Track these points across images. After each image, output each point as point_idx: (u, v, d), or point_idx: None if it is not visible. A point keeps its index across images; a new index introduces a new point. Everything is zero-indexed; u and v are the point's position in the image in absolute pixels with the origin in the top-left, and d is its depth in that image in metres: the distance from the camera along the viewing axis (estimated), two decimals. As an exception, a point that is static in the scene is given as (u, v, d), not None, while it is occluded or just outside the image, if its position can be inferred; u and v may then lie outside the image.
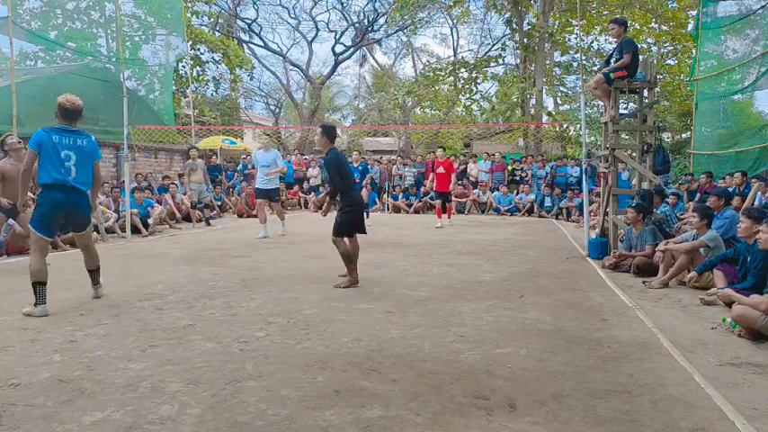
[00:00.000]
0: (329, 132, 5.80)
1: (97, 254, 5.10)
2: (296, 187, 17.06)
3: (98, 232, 9.04)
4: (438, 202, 11.99)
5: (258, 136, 31.87)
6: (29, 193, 7.90)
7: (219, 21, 27.87)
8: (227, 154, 20.51)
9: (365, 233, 5.79)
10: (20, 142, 6.97)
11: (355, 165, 12.07)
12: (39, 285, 4.43)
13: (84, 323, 4.17)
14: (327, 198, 5.95)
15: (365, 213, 6.37)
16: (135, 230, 9.96)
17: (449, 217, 11.96)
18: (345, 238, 5.62)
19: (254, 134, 32.21)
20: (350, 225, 5.63)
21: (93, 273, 5.05)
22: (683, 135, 23.60)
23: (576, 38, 21.48)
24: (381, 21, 30.18)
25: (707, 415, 2.67)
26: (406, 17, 25.29)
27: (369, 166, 14.49)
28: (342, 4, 30.35)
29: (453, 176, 12.27)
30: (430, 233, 10.45)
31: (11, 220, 7.77)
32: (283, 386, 2.96)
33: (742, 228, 4.89)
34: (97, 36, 17.32)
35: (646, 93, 7.37)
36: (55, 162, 4.52)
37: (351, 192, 5.70)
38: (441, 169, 11.64)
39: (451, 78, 23.61)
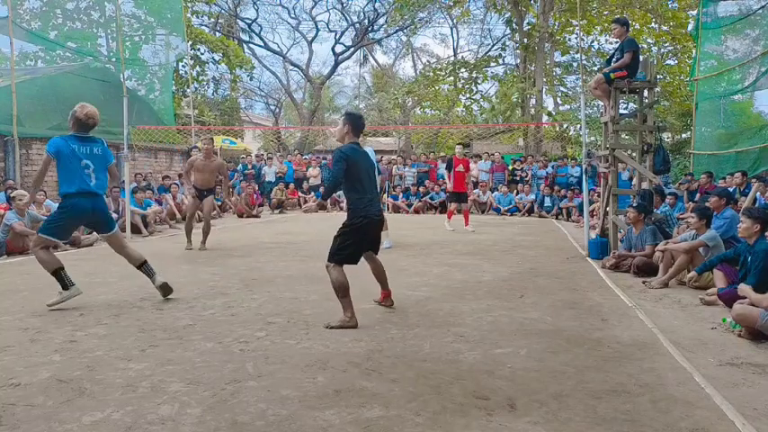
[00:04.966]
0: (348, 119, 4.42)
1: (134, 252, 4.98)
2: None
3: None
4: (453, 205, 10.98)
5: (258, 136, 31.89)
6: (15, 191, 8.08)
7: (219, 21, 27.88)
8: (227, 154, 20.52)
9: (354, 263, 4.31)
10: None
11: None
12: (58, 271, 4.65)
13: (84, 323, 4.17)
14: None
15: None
16: (135, 230, 9.96)
17: (466, 223, 10.75)
18: (338, 266, 4.19)
19: (254, 134, 32.22)
20: (346, 249, 4.22)
21: (142, 267, 4.90)
22: (683, 135, 23.60)
23: (576, 38, 21.49)
24: (381, 21, 30.22)
25: (707, 415, 2.67)
26: (406, 17, 25.31)
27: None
28: (342, 4, 30.40)
29: (468, 176, 11.32)
30: (430, 233, 10.44)
31: (7, 219, 7.79)
32: (283, 386, 2.96)
33: (742, 228, 4.88)
34: (97, 36, 17.38)
35: (646, 93, 7.37)
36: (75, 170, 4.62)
37: (359, 200, 4.24)
38: (460, 167, 10.68)
39: (451, 78, 23.65)
